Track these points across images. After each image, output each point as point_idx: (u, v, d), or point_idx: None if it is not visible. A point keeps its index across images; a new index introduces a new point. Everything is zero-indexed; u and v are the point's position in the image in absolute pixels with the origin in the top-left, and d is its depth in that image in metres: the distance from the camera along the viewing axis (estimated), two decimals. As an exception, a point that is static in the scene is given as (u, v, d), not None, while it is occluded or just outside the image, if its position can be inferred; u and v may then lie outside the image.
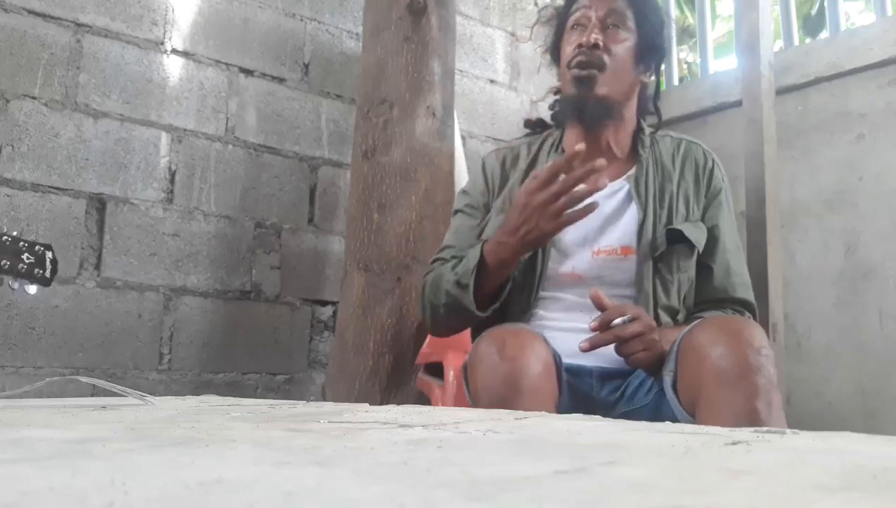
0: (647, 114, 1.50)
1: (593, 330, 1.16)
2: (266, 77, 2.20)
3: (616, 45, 1.37)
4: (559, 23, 1.47)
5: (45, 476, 0.37)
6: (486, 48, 2.69)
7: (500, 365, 1.08)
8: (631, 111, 1.44)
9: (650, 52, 1.42)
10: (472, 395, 1.16)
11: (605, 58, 1.36)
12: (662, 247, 1.32)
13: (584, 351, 1.16)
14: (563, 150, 1.45)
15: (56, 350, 1.80)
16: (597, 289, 1.19)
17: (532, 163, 1.46)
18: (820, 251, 2.00)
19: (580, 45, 1.36)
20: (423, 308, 1.43)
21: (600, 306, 1.18)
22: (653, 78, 1.49)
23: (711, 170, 1.41)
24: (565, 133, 1.48)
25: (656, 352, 1.17)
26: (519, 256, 1.28)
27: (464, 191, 1.52)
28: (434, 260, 1.46)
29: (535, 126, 1.58)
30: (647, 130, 1.46)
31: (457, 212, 1.50)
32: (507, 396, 1.04)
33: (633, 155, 1.43)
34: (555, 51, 1.48)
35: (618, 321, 1.15)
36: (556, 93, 1.53)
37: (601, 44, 1.35)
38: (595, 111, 1.38)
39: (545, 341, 1.16)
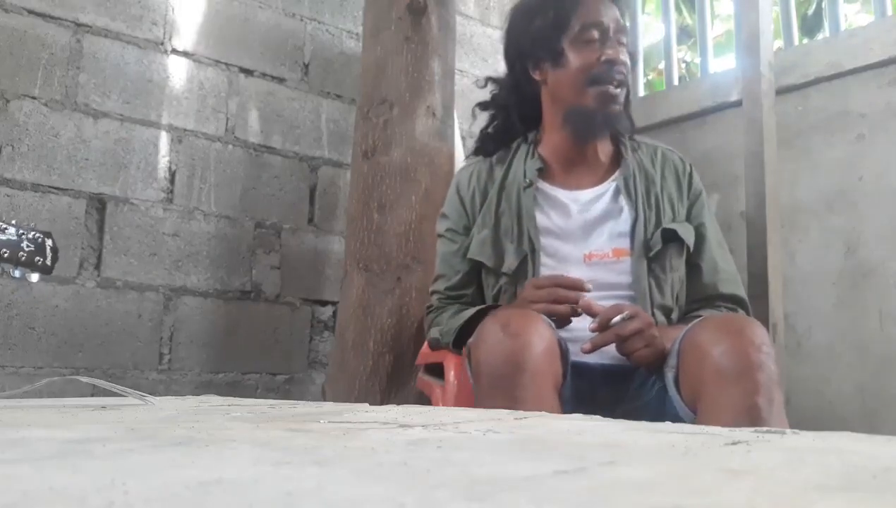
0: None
1: (593, 331, 1.17)
2: (266, 77, 2.20)
3: (627, 59, 1.39)
4: (559, 25, 1.39)
5: (45, 476, 0.37)
6: (486, 48, 2.69)
7: (504, 342, 1.07)
8: None
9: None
10: (474, 372, 1.15)
11: (625, 73, 1.38)
12: (658, 247, 1.34)
13: (587, 352, 1.17)
14: (540, 157, 1.44)
15: (56, 350, 1.80)
16: (587, 299, 1.20)
17: (506, 174, 1.45)
18: (820, 251, 2.00)
19: (610, 61, 1.35)
20: (428, 339, 1.48)
21: (592, 314, 1.19)
22: None
23: (690, 174, 1.45)
24: (547, 138, 1.45)
25: (657, 348, 1.18)
26: None
27: (443, 215, 1.51)
28: (432, 292, 1.48)
29: (495, 148, 1.53)
30: (627, 137, 1.48)
31: (440, 236, 1.51)
32: (509, 373, 1.04)
33: (615, 159, 1.45)
34: (554, 52, 1.39)
35: (616, 319, 1.16)
36: (487, 84, 1.56)
37: (625, 61, 1.38)
38: (614, 125, 1.40)
39: (550, 324, 1.15)
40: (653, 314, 1.31)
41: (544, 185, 1.42)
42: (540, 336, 1.09)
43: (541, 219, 1.38)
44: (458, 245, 1.44)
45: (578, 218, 1.38)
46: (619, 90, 1.36)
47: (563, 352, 1.15)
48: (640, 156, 1.45)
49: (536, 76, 1.44)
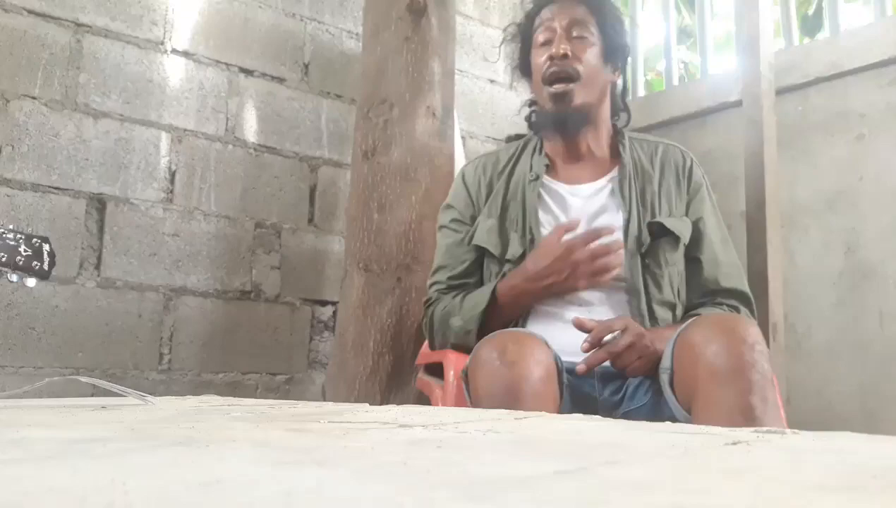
0: (619, 111, 1.53)
1: (585, 350, 1.18)
2: (266, 77, 2.20)
3: (585, 53, 1.41)
4: (524, 38, 1.50)
5: (45, 476, 0.37)
6: (486, 48, 2.69)
7: (502, 371, 1.08)
8: (606, 112, 1.48)
9: (615, 52, 1.47)
10: (474, 401, 1.17)
11: (578, 67, 1.39)
12: (647, 242, 1.35)
13: (582, 373, 1.18)
14: (546, 155, 1.48)
15: (56, 350, 1.80)
16: (579, 317, 1.22)
17: (514, 168, 1.49)
18: (820, 251, 2.00)
19: (551, 57, 1.40)
20: (429, 337, 1.47)
21: (584, 330, 1.20)
22: (619, 76, 1.52)
23: (691, 169, 1.46)
24: (546, 139, 1.51)
25: (651, 357, 1.19)
26: (537, 302, 1.33)
27: (448, 206, 1.53)
28: (431, 285, 1.48)
29: (514, 140, 1.62)
30: (627, 134, 1.50)
31: (442, 228, 1.52)
32: (509, 403, 1.04)
33: (613, 155, 1.47)
34: (524, 66, 1.51)
35: (608, 338, 1.18)
36: (531, 105, 1.57)
37: (570, 53, 1.39)
38: (575, 122, 1.42)
39: (546, 344, 1.16)
40: (651, 310, 1.31)
41: (547, 180, 1.45)
42: (537, 361, 1.10)
43: (543, 211, 1.41)
44: (462, 235, 1.46)
45: (578, 211, 1.40)
46: (569, 85, 1.39)
47: (560, 371, 1.16)
48: (639, 154, 1.46)
49: (530, 86, 1.53)
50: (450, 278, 1.45)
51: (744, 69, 1.96)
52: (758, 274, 1.79)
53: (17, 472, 0.39)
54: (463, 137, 2.35)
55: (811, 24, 3.75)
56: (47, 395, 1.43)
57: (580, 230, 1.32)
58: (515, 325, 1.33)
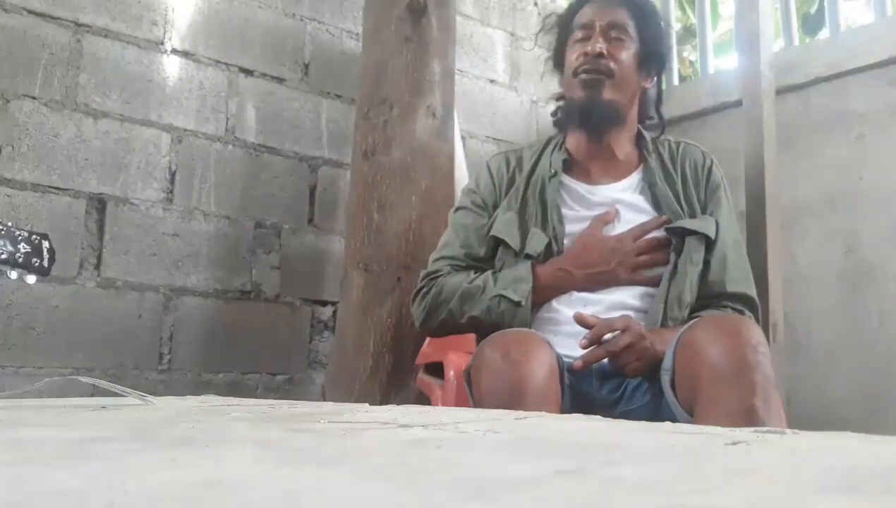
0: (648, 119, 1.53)
1: (584, 347, 1.18)
2: (266, 77, 2.20)
3: (620, 54, 1.41)
4: (562, 31, 1.51)
5: (45, 476, 0.37)
6: (486, 48, 2.69)
7: (505, 371, 1.09)
8: (633, 117, 1.48)
9: (651, 59, 1.46)
10: (476, 401, 1.17)
11: (612, 65, 1.40)
12: (675, 242, 1.35)
13: (579, 369, 1.18)
14: (566, 151, 1.48)
15: (56, 350, 1.80)
16: (580, 312, 1.22)
17: (536, 165, 1.48)
18: (820, 251, 2.00)
19: (585, 54, 1.40)
20: (430, 308, 1.42)
21: (586, 326, 1.20)
22: (653, 84, 1.51)
23: (710, 169, 1.45)
24: (568, 136, 1.51)
25: (650, 359, 1.19)
26: (577, 288, 1.34)
27: (470, 190, 1.53)
28: (440, 258, 1.46)
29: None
30: (649, 136, 1.49)
31: (461, 208, 1.51)
32: (512, 402, 1.04)
33: (636, 157, 1.47)
34: (558, 58, 1.52)
35: (608, 337, 1.18)
36: (557, 99, 1.57)
37: (606, 52, 1.40)
38: (602, 115, 1.42)
39: (548, 344, 1.17)
40: (666, 307, 1.31)
41: (567, 178, 1.45)
42: (540, 361, 1.11)
43: (564, 208, 1.41)
44: (483, 219, 1.45)
45: (599, 209, 1.40)
46: (592, 76, 1.40)
47: (561, 371, 1.16)
48: (662, 155, 1.46)
49: (560, 81, 1.54)
50: (467, 256, 1.43)
51: (744, 69, 1.96)
52: (758, 275, 1.78)
53: (17, 472, 0.39)
54: (463, 137, 2.35)
55: (812, 24, 3.75)
56: (47, 395, 1.43)
57: (608, 229, 1.35)
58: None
